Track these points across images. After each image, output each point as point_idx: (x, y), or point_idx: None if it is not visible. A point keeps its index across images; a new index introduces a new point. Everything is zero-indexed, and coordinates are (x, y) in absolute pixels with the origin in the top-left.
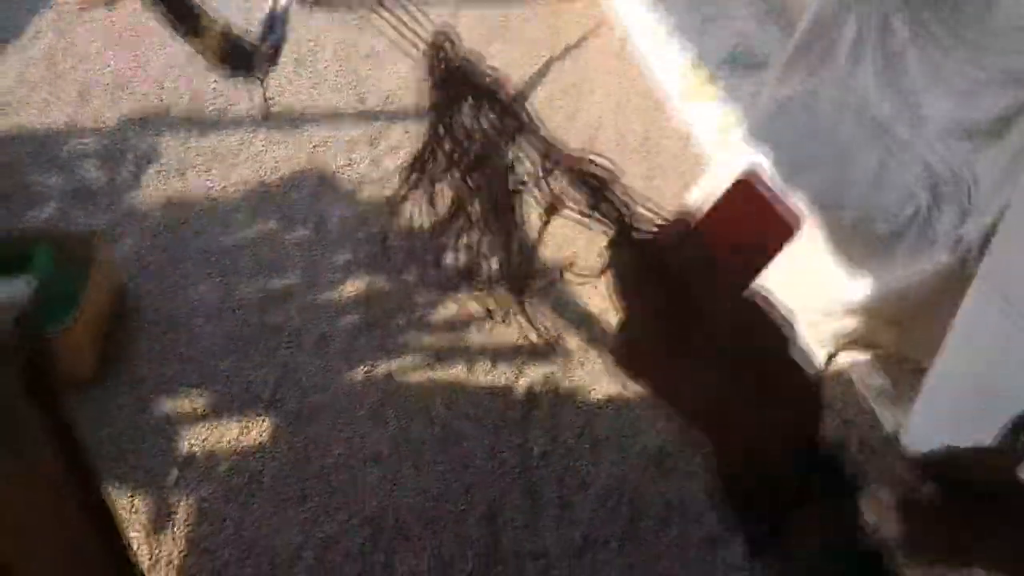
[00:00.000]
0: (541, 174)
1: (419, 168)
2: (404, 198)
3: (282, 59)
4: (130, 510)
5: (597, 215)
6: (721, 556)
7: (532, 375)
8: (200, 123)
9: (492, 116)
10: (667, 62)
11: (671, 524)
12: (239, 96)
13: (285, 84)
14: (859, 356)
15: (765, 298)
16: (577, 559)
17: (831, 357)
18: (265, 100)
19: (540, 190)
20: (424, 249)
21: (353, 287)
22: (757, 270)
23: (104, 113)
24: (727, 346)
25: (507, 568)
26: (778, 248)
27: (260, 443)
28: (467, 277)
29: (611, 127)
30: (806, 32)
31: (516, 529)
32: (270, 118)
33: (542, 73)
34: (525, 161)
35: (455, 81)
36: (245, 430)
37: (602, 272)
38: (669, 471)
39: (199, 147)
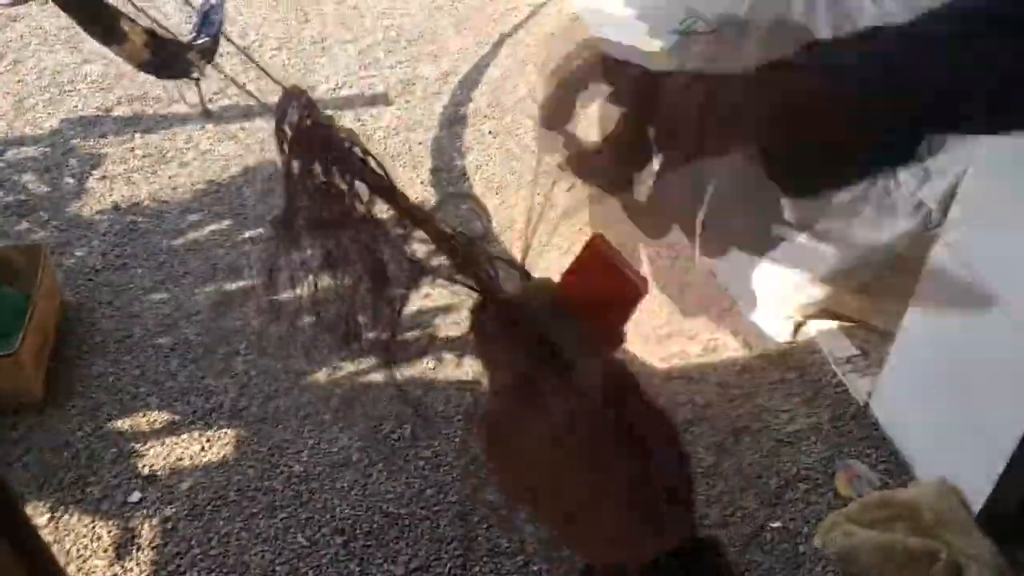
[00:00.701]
0: (401, 238)
1: (287, 229)
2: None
3: (226, 51)
4: (91, 537)
5: (462, 279)
6: None
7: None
8: (145, 123)
9: (347, 178)
10: (620, 34)
11: None
12: (182, 94)
13: (231, 76)
14: (827, 325)
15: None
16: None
17: (798, 327)
18: (202, 99)
19: (400, 256)
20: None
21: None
22: (612, 333)
23: (42, 119)
24: (586, 419)
25: (484, 567)
26: (628, 310)
27: (224, 456)
28: (343, 344)
29: None
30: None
31: (491, 527)
32: (211, 116)
33: (494, 52)
34: (386, 224)
35: (306, 143)
36: (208, 444)
37: (468, 335)
38: None
39: (145, 148)
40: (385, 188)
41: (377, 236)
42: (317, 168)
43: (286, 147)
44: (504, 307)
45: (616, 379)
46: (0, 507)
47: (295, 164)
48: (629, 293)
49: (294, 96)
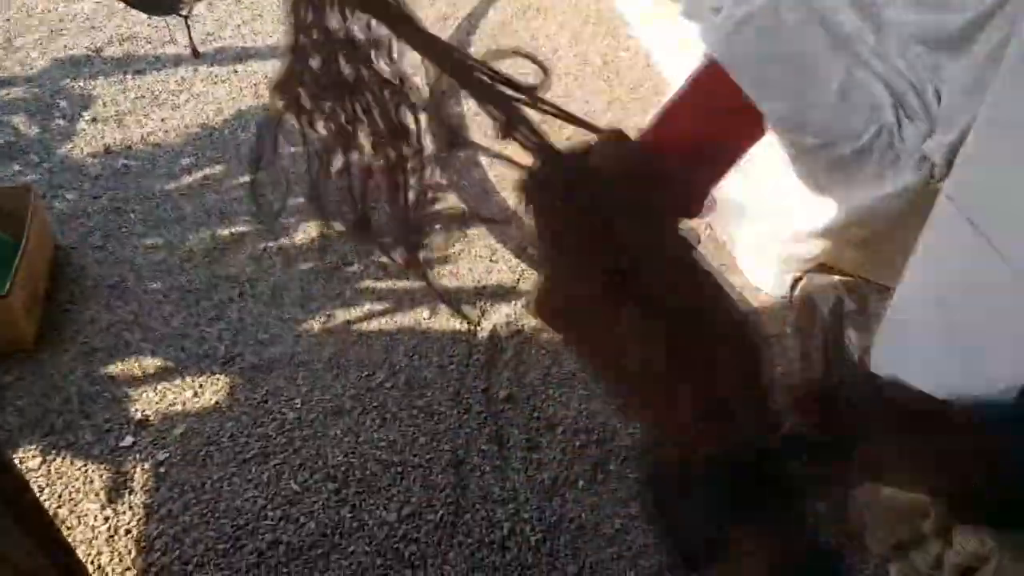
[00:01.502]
0: (437, 96)
1: (289, 91)
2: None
3: None
4: (83, 480)
5: (514, 139)
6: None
7: (495, 317)
8: (136, 64)
9: (364, 21)
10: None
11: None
12: (172, 34)
13: (224, 18)
14: (825, 280)
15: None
16: (547, 501)
17: (797, 281)
18: (191, 38)
19: (437, 116)
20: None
21: (307, 232)
22: (720, 174)
23: (32, 59)
24: (664, 295)
25: (476, 515)
26: (740, 150)
27: (217, 403)
28: (359, 229)
29: (569, 52)
30: None
31: (484, 475)
32: (200, 57)
33: None
34: (416, 77)
35: None
36: (200, 390)
37: (522, 206)
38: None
39: (136, 90)
40: (412, 29)
41: (400, 98)
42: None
43: None
44: (562, 170)
45: (687, 275)
46: None
47: (302, 6)
48: (746, 129)
49: None
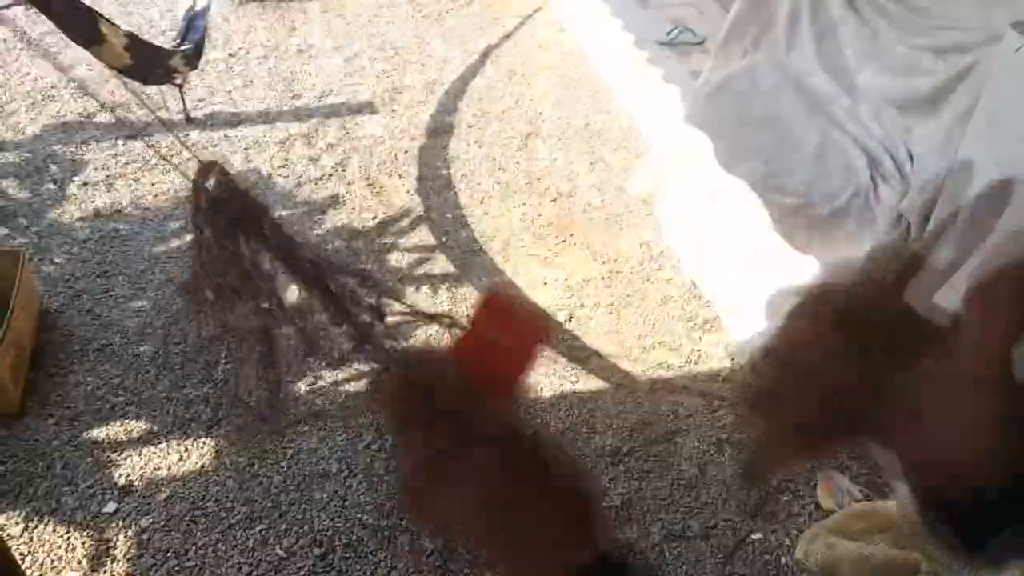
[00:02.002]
0: (305, 310)
1: (195, 289)
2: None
3: (212, 59)
4: (66, 548)
5: (362, 351)
6: (680, 552)
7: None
8: (127, 129)
9: (256, 244)
10: (607, 47)
11: (629, 521)
12: (166, 100)
13: (216, 84)
14: None
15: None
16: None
17: None
18: (184, 104)
19: (300, 328)
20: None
21: (293, 294)
22: (518, 379)
23: (24, 124)
24: (496, 455)
25: None
26: (532, 355)
27: (202, 466)
28: (229, 406)
29: (553, 115)
30: (741, 10)
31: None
32: (192, 122)
33: (480, 62)
34: (293, 292)
35: (220, 210)
36: (186, 453)
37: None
38: (626, 469)
39: (127, 155)
40: (292, 260)
41: (274, 311)
42: (227, 237)
43: (199, 217)
44: (404, 380)
45: (516, 435)
46: None
47: (206, 231)
48: (533, 335)
49: (210, 169)
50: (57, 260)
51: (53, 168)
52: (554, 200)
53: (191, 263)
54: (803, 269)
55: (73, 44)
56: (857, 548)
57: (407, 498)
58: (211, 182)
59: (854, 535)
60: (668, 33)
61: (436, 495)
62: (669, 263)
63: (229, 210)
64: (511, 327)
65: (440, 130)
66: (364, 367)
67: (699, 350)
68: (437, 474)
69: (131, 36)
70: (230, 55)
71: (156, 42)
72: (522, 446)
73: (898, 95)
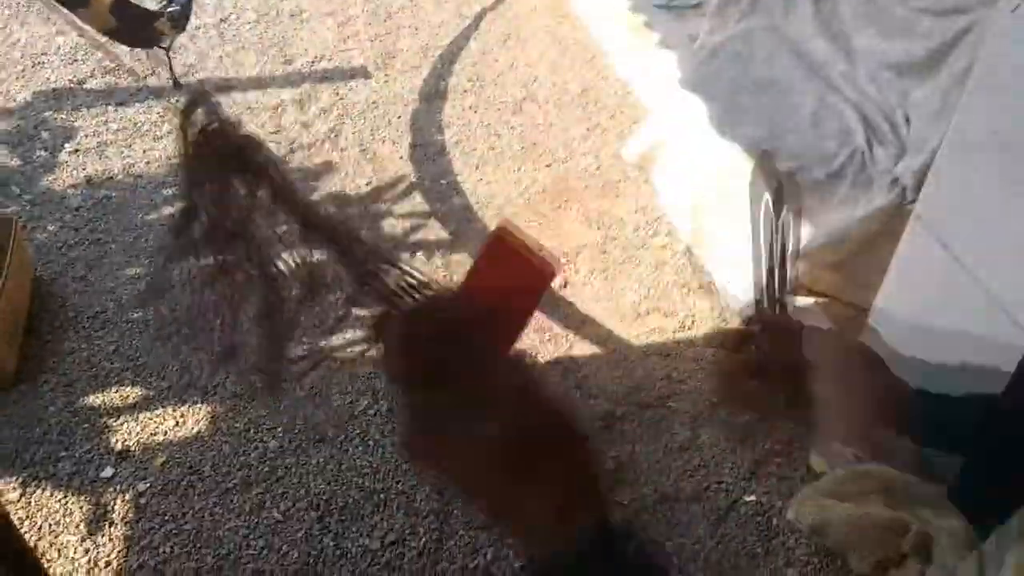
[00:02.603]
0: (302, 253)
1: (179, 239)
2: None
3: (203, 23)
4: (64, 513)
5: (364, 292)
6: (673, 515)
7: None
8: (118, 96)
9: (248, 186)
10: (603, 10)
11: (623, 484)
12: (155, 66)
13: (207, 50)
14: (802, 301)
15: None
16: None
17: None
18: (171, 69)
19: (300, 270)
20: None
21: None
22: (525, 317)
23: (15, 91)
24: (501, 413)
25: (459, 541)
26: (538, 294)
27: (198, 432)
28: (227, 360)
29: (548, 80)
30: None
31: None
32: (182, 87)
33: (474, 26)
34: (286, 237)
35: (209, 148)
36: (182, 419)
37: (371, 345)
38: (620, 433)
39: (119, 122)
40: (288, 195)
41: (274, 248)
42: (220, 175)
43: (188, 148)
44: (406, 319)
45: (521, 392)
46: None
47: (197, 166)
48: (536, 275)
49: (199, 98)
50: (50, 228)
51: (44, 135)
52: (549, 166)
53: (181, 200)
54: (797, 233)
55: (58, 9)
56: (848, 509)
57: (409, 449)
58: (200, 114)
59: (846, 497)
60: None
61: (439, 449)
62: (664, 229)
63: (221, 143)
64: (518, 263)
65: (434, 95)
66: (359, 333)
67: (693, 315)
68: (441, 428)
69: None
70: (221, 20)
71: (143, 5)
72: (527, 405)
73: (896, 58)
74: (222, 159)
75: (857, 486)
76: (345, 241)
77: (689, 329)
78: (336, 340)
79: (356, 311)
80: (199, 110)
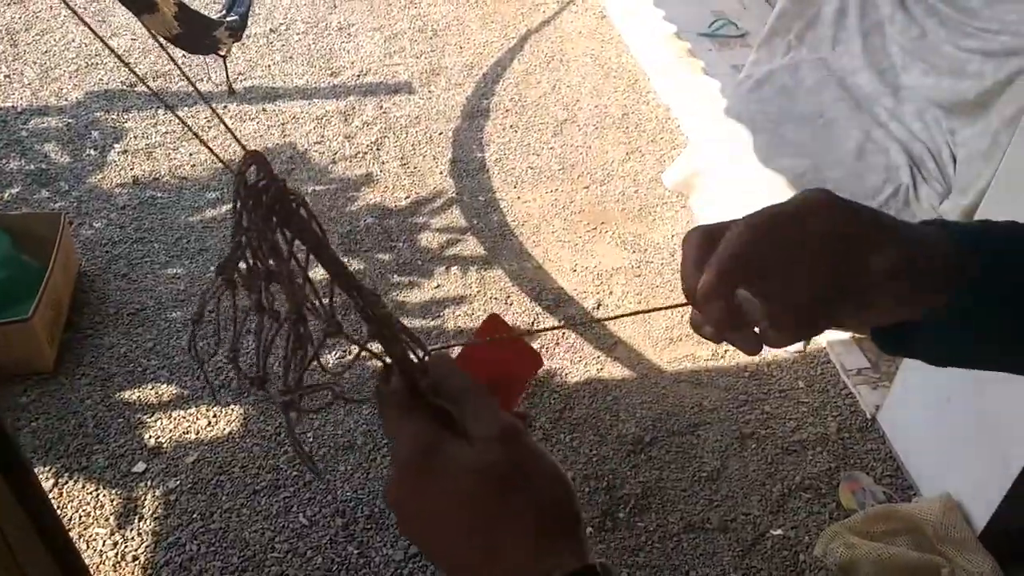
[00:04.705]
0: (326, 302)
1: (228, 272)
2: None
3: (253, 33)
4: (95, 505)
5: (374, 346)
6: (698, 544)
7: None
8: (168, 99)
9: (287, 238)
10: (648, 36)
11: (649, 511)
12: (206, 71)
13: (256, 59)
14: (839, 336)
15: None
16: None
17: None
18: (228, 76)
19: (326, 315)
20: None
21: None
22: (511, 403)
23: (68, 91)
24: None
25: None
26: (526, 380)
27: (230, 433)
28: (254, 385)
29: (590, 102)
30: (786, 5)
31: None
32: (235, 94)
33: (519, 47)
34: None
35: (258, 202)
36: (215, 419)
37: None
38: (647, 458)
39: (167, 125)
40: (321, 250)
41: (304, 293)
42: (264, 224)
43: (240, 202)
44: (408, 375)
45: (507, 436)
46: (13, 476)
47: (245, 217)
48: (527, 364)
49: (254, 158)
50: (96, 224)
51: (95, 135)
52: (587, 187)
53: (231, 245)
54: None
55: (118, 11)
56: (877, 549)
57: (391, 498)
58: (252, 171)
59: (875, 536)
60: (710, 25)
61: (415, 496)
62: None
63: (267, 198)
64: (512, 349)
65: (476, 113)
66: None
67: (727, 344)
68: (422, 475)
69: (181, 5)
70: (271, 30)
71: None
72: (502, 453)
73: (944, 96)
74: (268, 211)
75: (886, 525)
76: (365, 296)
77: (722, 358)
78: (370, 347)
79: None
80: (252, 167)
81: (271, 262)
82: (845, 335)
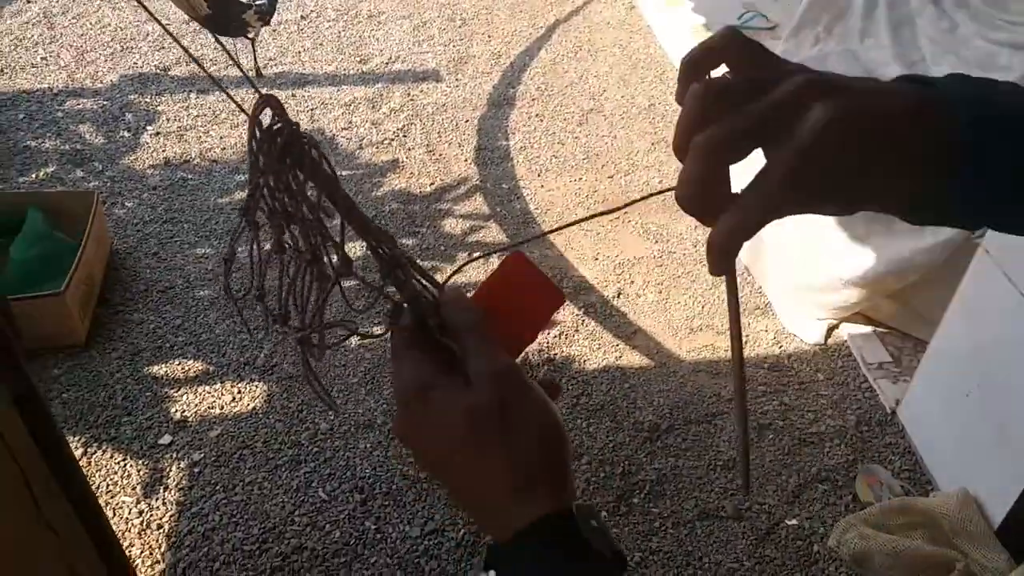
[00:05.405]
0: (338, 240)
1: (250, 214)
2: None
3: (284, 20)
4: (122, 475)
5: (386, 284)
6: (712, 531)
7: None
8: (200, 84)
9: (301, 179)
10: (676, 27)
11: (663, 497)
12: (236, 56)
13: (287, 45)
14: (860, 330)
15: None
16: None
17: (831, 330)
18: (255, 60)
19: (334, 256)
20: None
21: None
22: (526, 341)
23: (103, 74)
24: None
25: None
26: (547, 317)
27: (253, 408)
28: (277, 322)
29: (617, 93)
30: None
31: None
32: (263, 77)
33: (547, 36)
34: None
35: (273, 142)
36: (239, 395)
37: (385, 334)
38: (663, 445)
39: (199, 108)
40: (333, 190)
41: (320, 232)
42: (278, 165)
43: (255, 145)
44: (418, 310)
45: (499, 376)
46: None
47: (261, 159)
48: (547, 300)
49: (268, 102)
50: (128, 204)
51: (128, 117)
52: (611, 177)
53: (249, 188)
54: (860, 260)
55: None
56: (892, 541)
57: (397, 430)
58: (266, 114)
59: (891, 529)
60: (739, 17)
61: (413, 430)
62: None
63: (281, 140)
64: (526, 290)
65: (502, 101)
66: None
67: (747, 335)
68: (423, 407)
69: None
70: (302, 17)
71: None
72: (491, 392)
73: None
74: (282, 153)
75: (902, 518)
76: (378, 235)
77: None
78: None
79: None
80: (267, 110)
81: (287, 203)
82: (867, 328)
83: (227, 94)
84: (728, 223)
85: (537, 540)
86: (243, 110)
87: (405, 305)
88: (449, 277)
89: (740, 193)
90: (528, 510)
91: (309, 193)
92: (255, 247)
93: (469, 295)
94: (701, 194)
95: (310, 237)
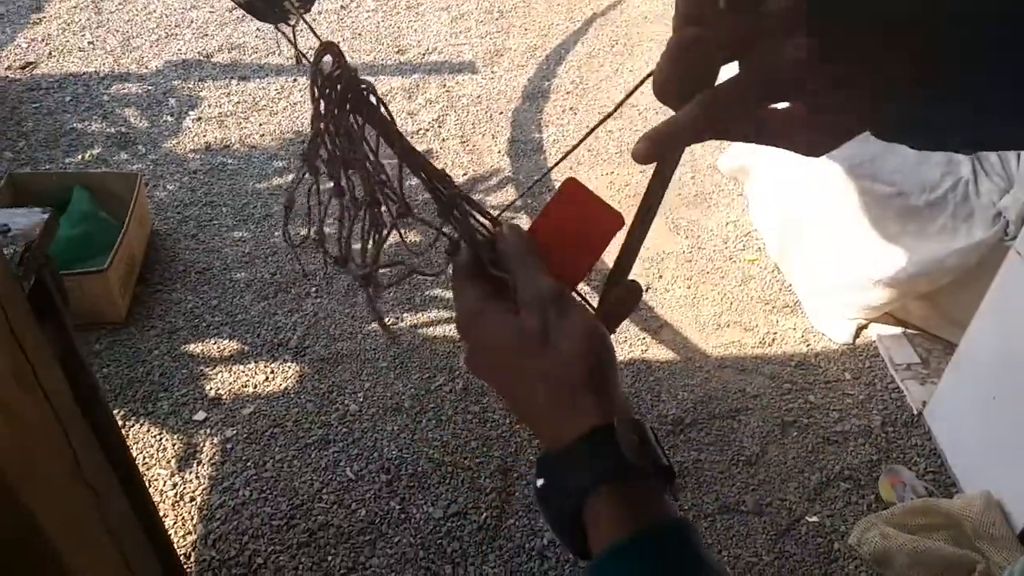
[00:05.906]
0: (396, 182)
1: (311, 158)
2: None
3: (324, 9)
4: (157, 448)
5: (445, 222)
6: (731, 525)
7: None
8: (241, 71)
9: (361, 123)
10: None
11: (684, 490)
12: (278, 45)
13: (326, 35)
14: (889, 331)
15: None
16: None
17: (860, 330)
18: (295, 47)
19: (393, 196)
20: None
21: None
22: (589, 262)
23: (147, 59)
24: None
25: (519, 521)
26: (606, 240)
27: (285, 388)
28: (337, 264)
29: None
30: None
31: (530, 484)
32: (302, 63)
33: (583, 30)
34: (387, 168)
35: (333, 88)
36: (271, 375)
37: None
38: (686, 439)
39: (240, 95)
40: (391, 133)
41: (378, 174)
42: (339, 110)
43: (317, 91)
44: (475, 247)
45: (541, 303)
46: (88, 402)
47: (322, 105)
48: (607, 224)
49: (328, 48)
50: (169, 187)
51: (171, 102)
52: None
53: (310, 133)
54: (891, 260)
55: None
56: (913, 542)
57: (465, 362)
58: (327, 60)
59: (912, 529)
60: None
61: (472, 357)
62: (754, 244)
63: (340, 86)
64: (583, 214)
65: (536, 94)
66: (442, 313)
67: (774, 333)
68: (468, 338)
69: None
70: (342, 7)
71: None
72: (533, 319)
73: None
74: (342, 99)
75: (924, 519)
76: (435, 176)
77: (769, 346)
78: (421, 317)
79: (439, 292)
80: (327, 57)
81: (348, 147)
82: (896, 329)
83: (289, 39)
84: (680, 116)
85: (580, 451)
86: (304, 57)
87: (463, 242)
88: (502, 211)
89: (700, 95)
90: (575, 423)
91: (368, 137)
92: (315, 191)
93: (527, 228)
94: (672, 90)
95: (370, 181)
